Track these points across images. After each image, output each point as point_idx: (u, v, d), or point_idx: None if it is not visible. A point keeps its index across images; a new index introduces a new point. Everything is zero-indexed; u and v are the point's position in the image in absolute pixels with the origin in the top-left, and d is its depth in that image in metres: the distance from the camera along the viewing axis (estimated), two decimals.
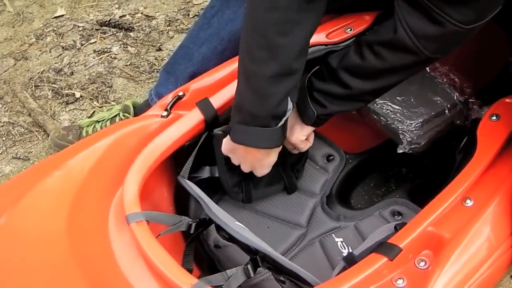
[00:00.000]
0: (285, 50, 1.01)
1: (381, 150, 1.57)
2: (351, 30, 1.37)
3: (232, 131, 1.13)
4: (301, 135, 1.25)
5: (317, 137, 1.47)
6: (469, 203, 1.09)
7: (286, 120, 1.10)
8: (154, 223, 1.09)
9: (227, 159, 1.23)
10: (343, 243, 1.31)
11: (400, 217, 1.33)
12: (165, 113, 1.29)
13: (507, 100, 1.21)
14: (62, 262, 1.01)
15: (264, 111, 1.06)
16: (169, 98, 1.33)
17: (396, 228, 1.08)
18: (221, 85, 1.31)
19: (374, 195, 1.51)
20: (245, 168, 1.21)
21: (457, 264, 1.02)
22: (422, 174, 1.53)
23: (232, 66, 1.36)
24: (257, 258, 1.08)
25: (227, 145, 1.18)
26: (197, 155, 1.25)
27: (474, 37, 1.06)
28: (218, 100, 1.28)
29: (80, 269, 1.01)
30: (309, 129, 1.25)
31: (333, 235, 1.33)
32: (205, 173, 1.30)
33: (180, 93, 1.33)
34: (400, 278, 1.02)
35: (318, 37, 1.37)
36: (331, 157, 1.45)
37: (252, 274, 1.05)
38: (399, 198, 1.38)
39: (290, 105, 1.08)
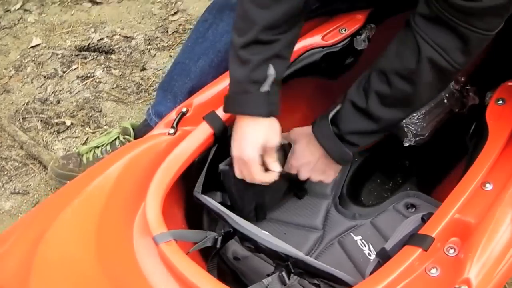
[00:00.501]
0: (259, 22, 1.11)
1: (383, 146, 1.58)
2: (345, 30, 1.39)
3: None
4: (334, 174, 1.27)
5: None
6: (488, 187, 1.11)
7: (274, 89, 1.15)
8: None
9: (238, 188, 1.25)
10: (363, 241, 1.32)
11: (414, 209, 1.35)
12: (172, 131, 1.28)
13: (510, 83, 1.23)
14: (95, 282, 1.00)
15: (244, 77, 1.14)
16: (172, 115, 1.32)
17: (424, 219, 1.09)
18: None
19: (383, 191, 1.52)
20: (235, 150, 1.20)
21: (488, 248, 1.02)
22: (425, 165, 1.54)
23: None
24: (288, 264, 1.08)
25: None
26: (208, 169, 1.25)
27: None
28: None
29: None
30: (339, 167, 1.27)
31: (351, 234, 1.34)
32: (217, 198, 1.29)
33: (184, 109, 1.32)
34: (433, 268, 1.03)
35: (314, 40, 1.39)
36: None
37: (287, 281, 1.05)
38: (410, 191, 1.40)
39: (271, 70, 1.13)
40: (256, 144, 1.16)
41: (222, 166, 1.25)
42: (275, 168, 1.21)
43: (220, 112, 1.27)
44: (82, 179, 1.18)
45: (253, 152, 1.16)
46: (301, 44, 1.38)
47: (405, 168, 1.57)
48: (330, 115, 1.19)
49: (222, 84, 1.35)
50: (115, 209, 1.13)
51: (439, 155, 1.53)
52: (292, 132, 1.28)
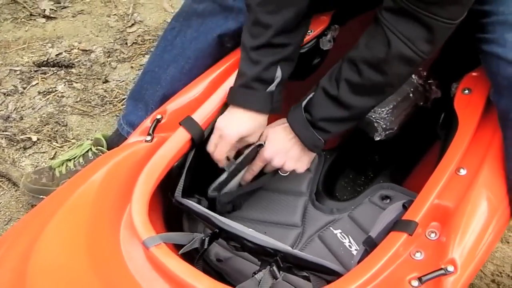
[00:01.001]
0: (273, 26, 1.20)
1: (352, 143, 1.62)
2: (311, 31, 1.42)
3: (228, 95, 1.27)
4: (307, 163, 1.32)
5: None
6: (463, 172, 1.15)
7: (279, 89, 1.25)
8: None
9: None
10: (342, 234, 1.34)
11: (389, 200, 1.38)
12: (149, 138, 1.28)
13: (474, 74, 1.29)
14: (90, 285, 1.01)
15: (253, 75, 1.22)
16: (147, 123, 1.33)
17: (405, 206, 1.13)
18: (199, 101, 1.33)
19: (356, 185, 1.55)
20: (222, 123, 1.26)
21: (468, 229, 1.07)
22: (395, 158, 1.59)
23: (204, 81, 1.37)
24: (277, 259, 1.09)
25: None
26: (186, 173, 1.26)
27: None
28: (200, 116, 1.29)
29: None
30: (313, 155, 1.32)
31: (330, 228, 1.36)
32: (195, 201, 1.30)
33: (158, 116, 1.32)
34: (417, 252, 1.06)
35: None
36: None
37: (278, 275, 1.07)
38: (384, 183, 1.43)
39: (279, 72, 1.23)
40: (242, 130, 1.25)
41: (211, 193, 1.33)
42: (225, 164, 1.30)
43: (196, 117, 1.28)
44: (65, 189, 1.17)
45: (235, 135, 1.25)
46: None
47: (375, 162, 1.61)
48: (303, 103, 1.23)
49: (195, 90, 1.36)
50: (101, 216, 1.12)
51: (408, 147, 1.58)
52: (267, 128, 1.31)
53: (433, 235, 1.09)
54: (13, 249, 1.05)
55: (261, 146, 1.29)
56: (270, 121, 1.31)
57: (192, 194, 1.30)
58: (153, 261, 1.05)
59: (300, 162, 1.29)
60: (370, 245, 1.09)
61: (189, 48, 1.44)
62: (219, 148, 1.27)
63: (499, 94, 1.16)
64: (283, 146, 1.27)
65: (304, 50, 1.41)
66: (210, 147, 1.29)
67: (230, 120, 1.25)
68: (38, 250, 1.03)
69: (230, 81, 1.32)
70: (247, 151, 1.30)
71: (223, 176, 1.32)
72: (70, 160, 1.71)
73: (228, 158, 1.30)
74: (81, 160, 1.69)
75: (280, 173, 1.34)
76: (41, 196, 1.67)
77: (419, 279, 1.00)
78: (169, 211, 1.30)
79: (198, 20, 1.43)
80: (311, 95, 1.23)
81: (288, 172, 1.33)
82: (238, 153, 1.33)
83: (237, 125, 1.25)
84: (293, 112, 1.24)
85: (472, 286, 1.53)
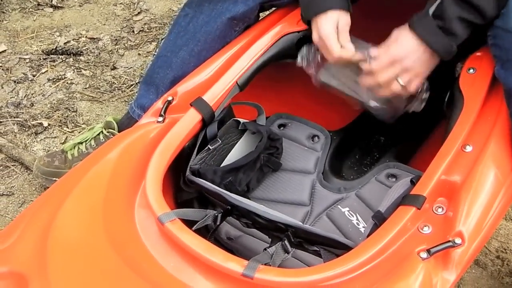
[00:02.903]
0: None
1: (358, 124, 1.63)
2: None
3: (302, 12, 1.36)
4: (424, 78, 1.28)
5: (297, 121, 1.52)
6: (468, 148, 1.16)
7: None
8: None
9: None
10: (350, 212, 1.35)
11: (395, 178, 1.38)
12: (160, 119, 1.29)
13: (478, 54, 1.29)
14: (109, 263, 1.02)
15: None
16: (159, 104, 1.34)
17: (413, 182, 1.14)
18: (209, 83, 1.33)
19: (362, 165, 1.56)
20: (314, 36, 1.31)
21: (475, 203, 1.08)
22: (399, 138, 1.60)
23: (215, 63, 1.38)
24: (289, 234, 1.10)
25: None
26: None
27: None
28: (211, 97, 1.30)
29: (127, 266, 1.02)
30: (434, 65, 1.27)
31: (338, 206, 1.37)
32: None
33: (169, 98, 1.33)
34: (425, 226, 1.08)
35: (288, 27, 1.42)
36: (315, 137, 1.49)
37: (289, 249, 1.08)
38: (390, 162, 1.44)
39: None
40: (330, 20, 1.28)
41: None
42: (349, 47, 1.29)
43: (206, 98, 1.29)
44: (81, 168, 1.18)
45: (329, 27, 1.27)
46: (276, 30, 1.41)
47: (381, 143, 1.62)
48: (431, 11, 1.20)
49: (205, 71, 1.38)
50: (116, 194, 1.13)
51: (412, 128, 1.58)
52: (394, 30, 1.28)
53: (440, 210, 1.10)
54: (32, 227, 1.06)
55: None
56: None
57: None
58: (167, 237, 1.06)
59: (417, 76, 1.25)
60: (379, 219, 1.10)
61: (199, 32, 1.46)
62: (332, 47, 1.27)
63: (506, 71, 1.17)
64: (403, 54, 1.23)
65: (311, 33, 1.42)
66: (328, 57, 1.30)
67: (317, 25, 1.29)
68: (56, 226, 1.04)
69: (240, 63, 1.33)
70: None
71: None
72: (81, 143, 1.72)
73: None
74: (92, 142, 1.71)
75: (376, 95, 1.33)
76: (54, 178, 1.68)
77: (428, 251, 1.01)
78: (179, 199, 1.30)
79: (209, 6, 1.44)
80: (437, 3, 1.20)
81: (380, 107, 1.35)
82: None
83: (324, 22, 1.28)
84: (419, 20, 1.21)
85: (477, 262, 1.54)
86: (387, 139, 1.62)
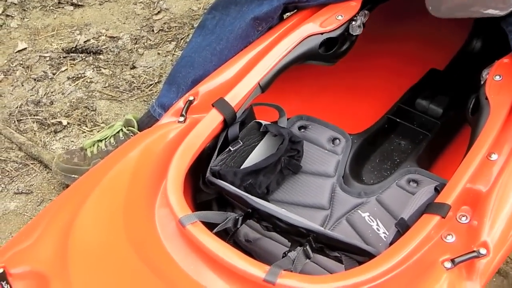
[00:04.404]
0: None
1: (378, 127, 1.61)
2: (341, 17, 1.41)
3: None
4: None
5: (318, 123, 1.50)
6: (494, 157, 1.14)
7: None
8: None
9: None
10: (370, 217, 1.33)
11: (416, 184, 1.36)
12: (182, 119, 1.28)
13: (505, 60, 1.27)
14: (129, 264, 1.01)
15: None
16: (180, 104, 1.32)
17: (437, 189, 1.11)
18: (232, 83, 1.32)
19: (382, 170, 1.54)
20: None
21: (500, 213, 1.06)
22: (421, 143, 1.57)
23: (237, 64, 1.37)
24: (310, 239, 1.09)
25: None
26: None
27: None
28: (233, 98, 1.28)
29: (147, 267, 1.01)
30: None
31: (358, 211, 1.35)
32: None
33: (191, 98, 1.32)
34: (449, 235, 1.05)
35: (313, 27, 1.40)
36: (336, 140, 1.47)
37: (311, 255, 1.06)
38: (411, 167, 1.42)
39: None
40: None
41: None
42: None
43: (228, 99, 1.28)
44: (101, 167, 1.17)
45: None
46: (300, 32, 1.39)
47: (401, 148, 1.59)
48: None
49: (228, 72, 1.36)
50: (136, 194, 1.12)
51: (434, 133, 1.56)
52: None
53: (464, 218, 1.08)
54: (53, 226, 1.06)
55: None
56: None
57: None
58: (188, 239, 1.05)
59: None
60: (402, 227, 1.07)
61: (224, 31, 1.45)
62: None
63: None
64: None
65: (336, 35, 1.40)
66: None
67: None
68: (77, 226, 1.03)
69: (263, 64, 1.31)
70: None
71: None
72: (101, 140, 1.71)
73: None
74: (112, 140, 1.70)
75: None
76: (73, 176, 1.68)
77: (452, 261, 0.99)
78: (198, 200, 1.29)
79: (236, 8, 1.44)
80: None
81: None
82: None
83: None
84: None
85: (498, 270, 1.51)
86: (407, 144, 1.59)
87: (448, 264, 0.98)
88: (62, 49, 2.27)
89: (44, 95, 2.08)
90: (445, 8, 1.34)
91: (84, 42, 2.31)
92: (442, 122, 1.58)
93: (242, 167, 1.32)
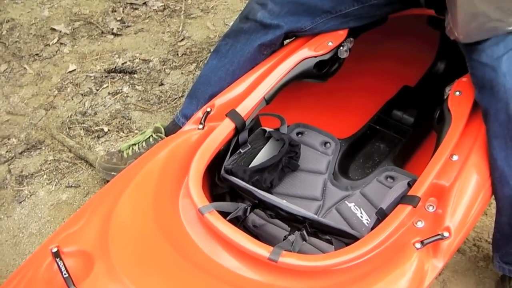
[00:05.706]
0: None
1: (362, 133, 1.61)
2: (331, 43, 1.41)
3: None
4: None
5: (312, 129, 1.51)
6: (455, 158, 1.14)
7: None
8: None
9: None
10: (355, 207, 1.34)
11: (392, 180, 1.37)
12: (200, 126, 1.28)
13: (463, 79, 1.27)
14: (158, 245, 1.02)
15: None
16: (199, 114, 1.33)
17: (410, 184, 1.12)
18: (242, 97, 1.33)
19: (365, 168, 1.54)
20: None
21: (460, 204, 1.06)
22: (396, 146, 1.57)
23: (246, 81, 1.37)
24: (306, 225, 1.09)
25: None
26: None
27: None
28: (243, 109, 1.29)
29: (172, 248, 1.02)
30: None
31: (345, 202, 1.35)
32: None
33: (208, 109, 1.33)
34: (419, 221, 1.06)
35: (308, 51, 1.40)
36: (327, 144, 1.48)
37: (307, 238, 1.07)
38: (388, 166, 1.42)
39: None
40: None
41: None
42: None
43: (239, 110, 1.28)
44: (135, 166, 1.18)
45: None
46: (297, 55, 1.40)
47: (380, 150, 1.59)
48: None
49: (238, 88, 1.37)
50: (164, 187, 1.13)
51: (406, 139, 1.56)
52: None
53: (431, 208, 1.08)
54: (96, 214, 1.06)
55: None
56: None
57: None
58: (206, 225, 1.06)
59: None
60: (381, 215, 1.08)
61: (236, 56, 1.45)
62: None
63: (482, 95, 1.15)
64: None
65: (326, 58, 1.41)
66: None
67: None
68: (116, 214, 1.03)
69: (267, 82, 1.32)
70: None
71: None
72: (135, 144, 1.72)
73: None
74: (144, 144, 1.71)
75: None
76: (113, 173, 1.68)
77: (421, 242, 1.00)
78: (214, 192, 1.29)
79: (245, 36, 1.44)
80: None
81: None
82: None
83: None
84: None
85: (458, 249, 1.51)
86: (385, 147, 1.59)
87: (418, 245, 0.99)
88: (104, 70, 2.28)
89: (90, 107, 2.09)
90: (475, 33, 1.18)
91: (122, 64, 2.31)
92: (414, 129, 1.59)
93: (250, 166, 1.33)
